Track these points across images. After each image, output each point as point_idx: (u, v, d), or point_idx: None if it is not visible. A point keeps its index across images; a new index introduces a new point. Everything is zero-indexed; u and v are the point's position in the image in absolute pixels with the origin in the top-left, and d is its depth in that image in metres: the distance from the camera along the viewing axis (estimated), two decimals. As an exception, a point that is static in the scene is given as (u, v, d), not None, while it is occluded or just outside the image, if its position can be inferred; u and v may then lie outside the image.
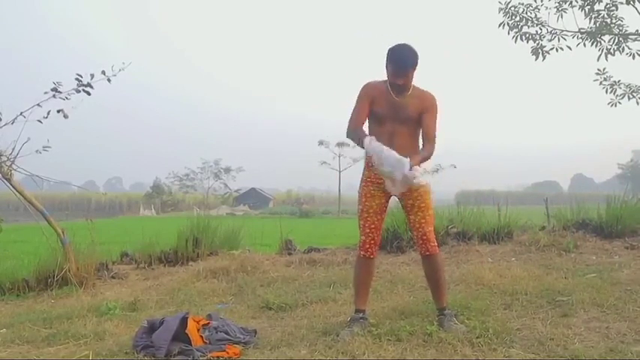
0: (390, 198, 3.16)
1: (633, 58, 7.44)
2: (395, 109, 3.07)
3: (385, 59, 3.07)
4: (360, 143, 2.96)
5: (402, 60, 3.00)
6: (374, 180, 3.10)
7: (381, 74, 3.17)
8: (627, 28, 7.49)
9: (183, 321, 2.93)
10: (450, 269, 4.73)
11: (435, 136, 3.13)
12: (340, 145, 44.22)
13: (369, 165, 3.10)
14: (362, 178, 3.18)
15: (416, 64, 3.04)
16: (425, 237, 3.05)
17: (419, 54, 3.05)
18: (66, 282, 4.92)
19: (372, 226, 3.12)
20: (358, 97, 3.15)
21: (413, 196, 3.04)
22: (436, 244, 3.10)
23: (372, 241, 3.13)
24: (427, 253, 3.08)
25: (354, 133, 3.08)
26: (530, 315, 3.31)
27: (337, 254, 5.95)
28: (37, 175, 4.98)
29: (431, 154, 3.09)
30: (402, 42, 3.07)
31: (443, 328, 2.96)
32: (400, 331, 2.91)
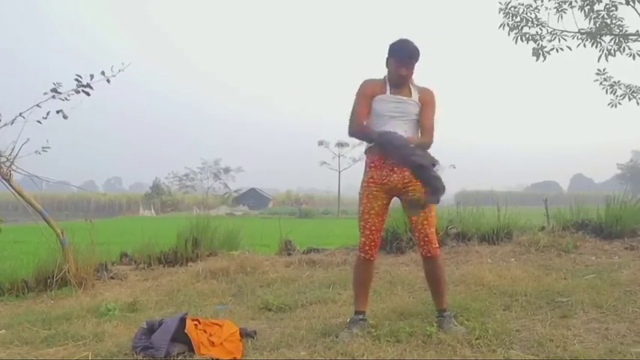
0: (391, 199, 3.14)
1: (633, 58, 7.45)
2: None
3: (387, 55, 3.10)
4: (367, 138, 3.03)
5: (406, 49, 3.05)
6: (377, 180, 3.05)
7: (380, 73, 3.18)
8: (627, 29, 7.51)
9: (182, 321, 2.92)
10: (449, 270, 4.72)
11: (432, 128, 3.10)
12: (340, 145, 44.31)
13: (372, 165, 3.08)
14: (364, 179, 3.11)
15: (418, 57, 3.07)
16: (427, 239, 3.03)
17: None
18: (65, 282, 4.91)
19: (373, 227, 3.08)
20: (357, 94, 3.14)
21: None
22: (438, 245, 3.09)
23: (373, 243, 3.10)
24: (429, 254, 3.06)
25: (360, 129, 3.08)
26: (529, 316, 3.30)
27: (337, 255, 5.95)
28: (35, 176, 4.97)
29: (427, 144, 3.07)
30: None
31: (442, 329, 2.96)
32: (400, 332, 2.90)
